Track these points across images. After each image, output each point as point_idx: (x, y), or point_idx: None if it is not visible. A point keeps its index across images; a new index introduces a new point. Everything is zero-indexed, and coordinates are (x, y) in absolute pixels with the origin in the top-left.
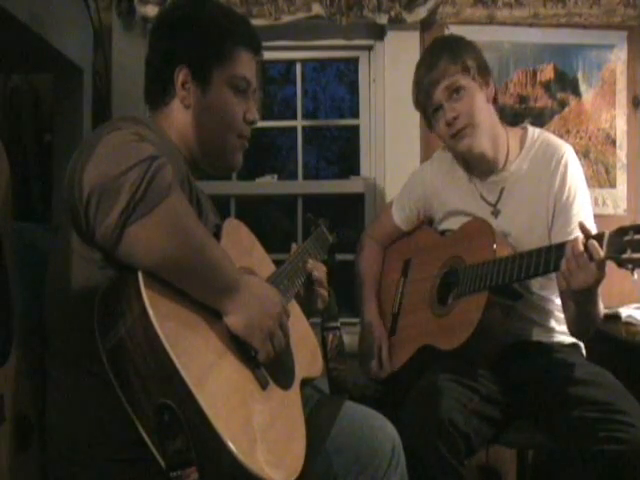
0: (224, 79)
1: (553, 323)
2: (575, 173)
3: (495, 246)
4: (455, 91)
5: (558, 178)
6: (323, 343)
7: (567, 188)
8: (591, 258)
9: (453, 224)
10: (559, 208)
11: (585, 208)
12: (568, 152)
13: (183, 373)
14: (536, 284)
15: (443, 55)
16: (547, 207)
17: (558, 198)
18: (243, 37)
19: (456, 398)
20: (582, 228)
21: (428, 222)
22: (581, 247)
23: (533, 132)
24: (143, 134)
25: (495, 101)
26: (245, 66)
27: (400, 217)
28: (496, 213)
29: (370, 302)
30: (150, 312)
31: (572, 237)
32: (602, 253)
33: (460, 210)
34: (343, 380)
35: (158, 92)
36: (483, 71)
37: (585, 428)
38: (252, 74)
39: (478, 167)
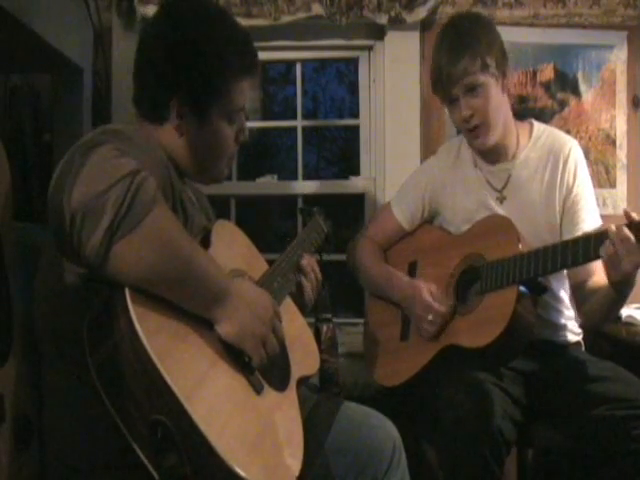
0: (222, 114)
1: (561, 320)
2: (583, 167)
3: (520, 238)
4: (472, 88)
5: (568, 171)
6: (317, 334)
7: (577, 181)
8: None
9: (464, 222)
10: (570, 201)
11: (592, 199)
12: (575, 146)
13: (174, 388)
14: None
15: (464, 52)
16: (557, 198)
17: (568, 191)
18: (244, 66)
19: (494, 400)
20: (627, 215)
21: (431, 219)
22: (627, 232)
23: (539, 126)
24: (123, 148)
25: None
26: (243, 95)
27: (404, 214)
28: (501, 199)
29: (395, 274)
30: (138, 327)
31: (582, 226)
32: None
33: (468, 204)
34: (333, 373)
35: (150, 109)
36: (501, 63)
37: (614, 427)
38: (246, 97)
39: (488, 154)
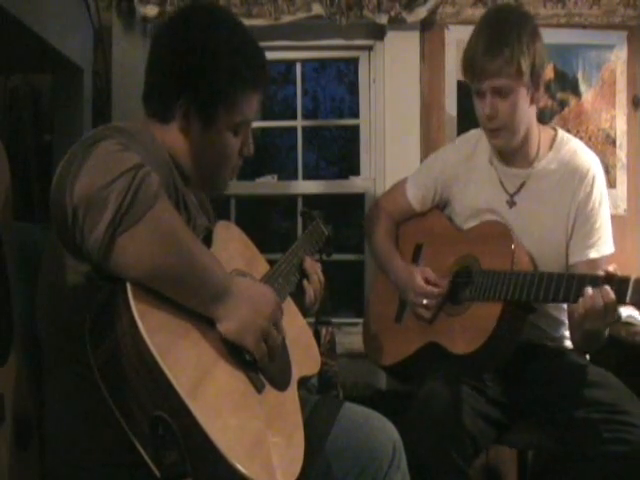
0: (228, 124)
1: (560, 329)
2: (601, 187)
3: (514, 253)
4: (501, 91)
5: (584, 189)
6: (317, 337)
7: (592, 201)
8: (609, 303)
9: (470, 218)
10: (582, 219)
11: (606, 223)
12: (596, 166)
13: (175, 385)
14: None
15: (503, 50)
16: (568, 214)
17: (582, 209)
18: (254, 80)
19: (464, 399)
20: (607, 274)
21: (443, 205)
22: (601, 301)
23: (562, 135)
24: (126, 143)
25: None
26: (250, 108)
27: (415, 195)
28: (511, 204)
29: (395, 256)
30: (139, 324)
31: (591, 250)
32: (627, 299)
33: (478, 201)
34: (332, 376)
35: (157, 106)
36: (536, 74)
37: (589, 429)
38: (255, 112)
39: (506, 156)
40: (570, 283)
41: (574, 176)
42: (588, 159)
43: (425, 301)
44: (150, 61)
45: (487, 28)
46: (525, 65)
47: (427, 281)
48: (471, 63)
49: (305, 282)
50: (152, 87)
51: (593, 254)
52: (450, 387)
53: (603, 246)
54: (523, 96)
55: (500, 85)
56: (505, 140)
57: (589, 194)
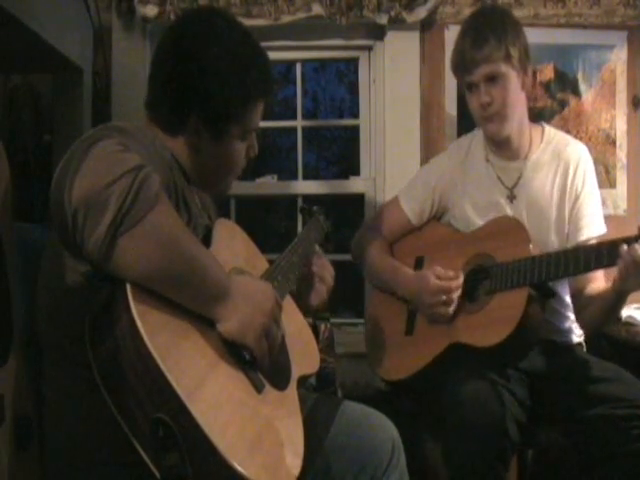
0: (238, 134)
1: (565, 322)
2: (592, 174)
3: (531, 244)
4: (493, 78)
5: (578, 178)
6: (315, 332)
7: (585, 188)
8: None
9: (473, 218)
10: (577, 206)
11: (598, 207)
12: (586, 153)
13: (175, 387)
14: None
15: (489, 38)
16: (565, 204)
17: (576, 197)
18: (263, 90)
19: (507, 406)
20: None
21: (439, 216)
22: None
23: (550, 129)
24: (126, 143)
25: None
26: (258, 116)
27: (412, 209)
28: (511, 197)
29: (401, 269)
30: (139, 325)
31: (585, 232)
32: None
33: (479, 200)
34: (330, 373)
35: (163, 118)
36: (524, 58)
37: (613, 427)
38: (260, 117)
39: (501, 150)
40: (600, 250)
41: (568, 165)
42: (578, 148)
43: (444, 297)
44: (153, 71)
45: (471, 27)
46: (513, 49)
47: (440, 278)
48: (461, 57)
49: (317, 283)
50: (156, 97)
51: (588, 233)
52: (489, 389)
53: (595, 227)
54: (514, 80)
55: (491, 71)
56: (499, 125)
57: (583, 182)
